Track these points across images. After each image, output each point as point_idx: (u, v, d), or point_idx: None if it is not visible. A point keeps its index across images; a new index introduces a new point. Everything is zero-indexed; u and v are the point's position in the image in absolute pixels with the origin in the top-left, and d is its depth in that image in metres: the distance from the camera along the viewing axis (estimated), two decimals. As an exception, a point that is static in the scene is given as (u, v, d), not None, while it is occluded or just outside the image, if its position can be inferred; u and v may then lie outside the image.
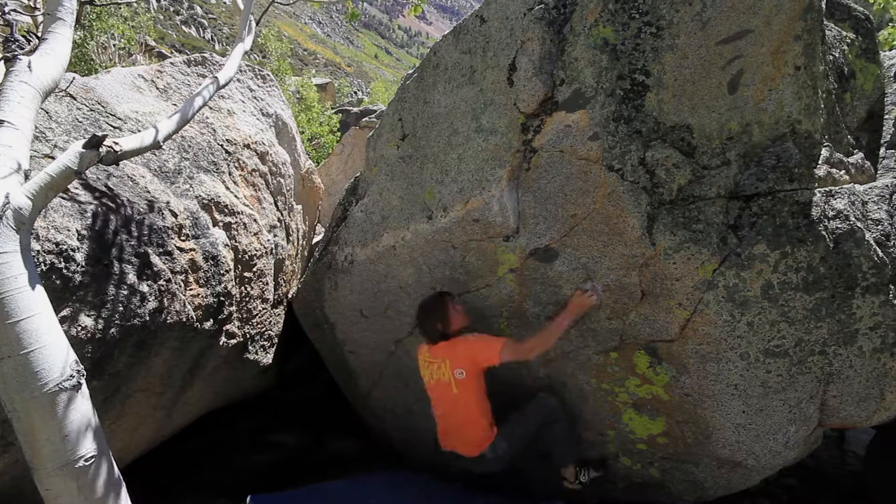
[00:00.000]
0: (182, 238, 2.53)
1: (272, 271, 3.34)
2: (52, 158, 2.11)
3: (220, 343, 2.86)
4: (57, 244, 1.94)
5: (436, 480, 2.88)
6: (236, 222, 2.93)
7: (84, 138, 1.55)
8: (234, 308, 2.90)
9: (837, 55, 2.42)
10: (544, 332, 2.20)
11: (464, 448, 2.36)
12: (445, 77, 2.48)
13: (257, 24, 2.86)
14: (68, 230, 2.01)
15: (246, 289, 3.02)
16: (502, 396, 2.52)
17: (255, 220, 3.11)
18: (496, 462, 2.34)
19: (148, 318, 2.28)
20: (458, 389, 2.28)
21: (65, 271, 1.95)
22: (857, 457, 3.45)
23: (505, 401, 2.49)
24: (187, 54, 3.53)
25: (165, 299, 2.36)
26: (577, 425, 2.60)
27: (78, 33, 8.48)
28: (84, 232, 2.07)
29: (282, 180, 3.56)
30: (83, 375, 1.43)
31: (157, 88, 3.01)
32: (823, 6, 2.02)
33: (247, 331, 3.10)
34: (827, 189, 1.99)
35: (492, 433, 2.34)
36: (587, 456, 2.65)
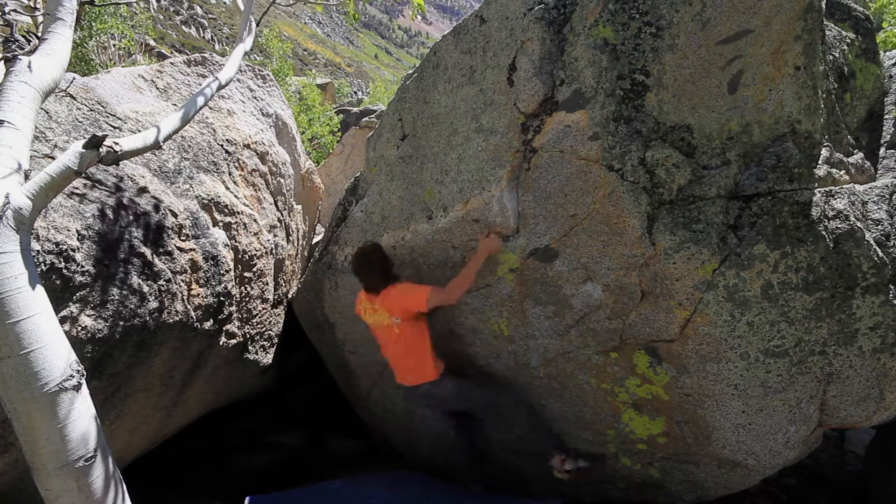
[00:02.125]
0: (182, 238, 2.53)
1: (272, 271, 3.34)
2: (53, 158, 2.11)
3: (220, 343, 2.86)
4: (57, 244, 1.94)
5: (434, 480, 2.88)
6: (236, 222, 2.93)
7: (84, 138, 1.55)
8: (234, 308, 2.90)
9: (837, 55, 2.42)
10: (460, 276, 2.34)
11: (408, 379, 2.58)
12: (445, 77, 2.48)
13: (257, 25, 2.86)
14: (68, 230, 2.01)
15: (246, 289, 3.02)
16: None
17: (255, 220, 3.11)
18: (427, 398, 2.59)
19: (148, 318, 2.28)
20: (398, 330, 2.48)
21: (65, 271, 1.95)
22: (857, 457, 3.44)
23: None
24: (187, 54, 3.53)
25: (165, 299, 2.36)
26: (542, 417, 2.66)
27: (78, 33, 8.48)
28: (84, 232, 2.07)
29: (282, 180, 3.57)
30: (83, 375, 1.43)
31: (157, 88, 3.01)
32: (823, 6, 2.02)
33: (247, 331, 3.10)
34: (827, 189, 1.99)
35: (436, 372, 2.53)
36: (575, 449, 2.69)
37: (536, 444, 2.62)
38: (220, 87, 2.36)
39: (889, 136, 2.66)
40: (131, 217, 2.30)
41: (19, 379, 1.29)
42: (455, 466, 2.98)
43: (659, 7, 1.98)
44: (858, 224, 1.95)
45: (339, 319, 3.22)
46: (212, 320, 2.71)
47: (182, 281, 2.49)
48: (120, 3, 3.62)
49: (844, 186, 2.04)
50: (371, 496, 2.65)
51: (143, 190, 2.44)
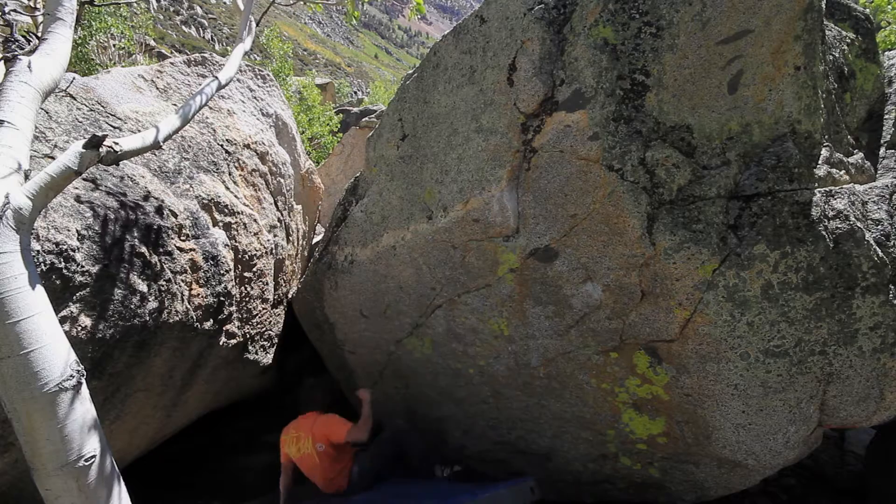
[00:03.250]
0: (182, 238, 2.53)
1: (272, 271, 3.34)
2: (52, 158, 2.11)
3: (220, 343, 2.86)
4: (57, 244, 1.94)
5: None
6: (236, 222, 2.93)
7: (84, 138, 1.55)
8: (234, 308, 2.90)
9: (837, 55, 2.42)
10: (361, 422, 2.74)
11: (334, 487, 2.86)
12: (445, 77, 2.48)
13: (257, 25, 2.86)
14: (68, 230, 2.01)
15: (246, 289, 3.02)
16: (503, 392, 2.52)
17: (255, 220, 3.11)
18: (360, 481, 2.84)
19: (148, 318, 2.28)
20: (319, 459, 2.79)
21: (65, 271, 1.95)
22: (857, 457, 3.44)
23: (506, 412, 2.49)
24: (187, 54, 3.53)
25: (165, 299, 2.36)
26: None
27: (78, 33, 8.48)
28: (84, 232, 2.07)
29: (282, 180, 3.57)
30: (83, 375, 1.43)
31: (157, 88, 3.01)
32: (823, 6, 2.02)
33: (247, 331, 3.10)
34: (827, 189, 1.99)
35: (346, 470, 2.85)
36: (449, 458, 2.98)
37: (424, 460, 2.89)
38: (220, 87, 2.36)
39: (889, 136, 2.66)
40: (131, 217, 2.30)
41: (19, 379, 1.29)
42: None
43: (659, 7, 1.98)
44: (858, 224, 1.95)
45: (339, 319, 3.22)
46: (212, 320, 2.71)
47: (182, 281, 2.49)
48: (120, 3, 3.62)
49: (844, 186, 2.04)
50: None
51: (143, 190, 2.44)
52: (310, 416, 2.92)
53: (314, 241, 4.61)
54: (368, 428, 2.75)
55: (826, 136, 2.07)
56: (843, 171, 2.13)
